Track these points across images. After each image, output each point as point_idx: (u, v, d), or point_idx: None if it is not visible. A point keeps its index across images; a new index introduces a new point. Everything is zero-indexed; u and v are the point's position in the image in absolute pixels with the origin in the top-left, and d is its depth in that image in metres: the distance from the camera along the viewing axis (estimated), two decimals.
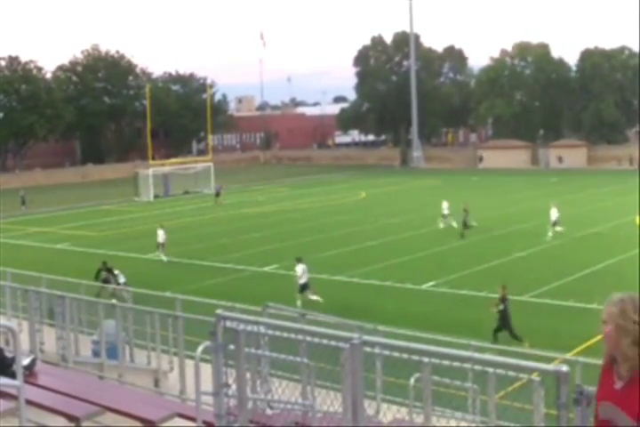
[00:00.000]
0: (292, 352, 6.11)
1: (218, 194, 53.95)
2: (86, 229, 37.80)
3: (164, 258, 31.79)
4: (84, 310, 12.25)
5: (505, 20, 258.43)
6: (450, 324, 20.02)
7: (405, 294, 25.22)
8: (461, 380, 5.42)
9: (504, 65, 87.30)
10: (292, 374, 7.05)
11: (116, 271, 24.56)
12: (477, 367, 4.40)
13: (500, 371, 4.42)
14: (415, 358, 4.50)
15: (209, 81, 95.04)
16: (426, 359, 4.52)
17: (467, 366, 4.44)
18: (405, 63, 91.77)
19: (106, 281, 23.84)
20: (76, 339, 11.65)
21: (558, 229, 34.27)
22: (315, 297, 23.30)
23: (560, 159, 76.15)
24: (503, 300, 19.18)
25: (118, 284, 23.48)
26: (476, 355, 4.38)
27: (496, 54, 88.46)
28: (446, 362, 4.60)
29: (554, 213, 34.66)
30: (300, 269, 23.95)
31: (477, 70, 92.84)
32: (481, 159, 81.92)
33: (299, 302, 23.22)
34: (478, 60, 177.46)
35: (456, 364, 4.54)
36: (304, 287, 23.77)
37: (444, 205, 38.46)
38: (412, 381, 6.03)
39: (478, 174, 70.27)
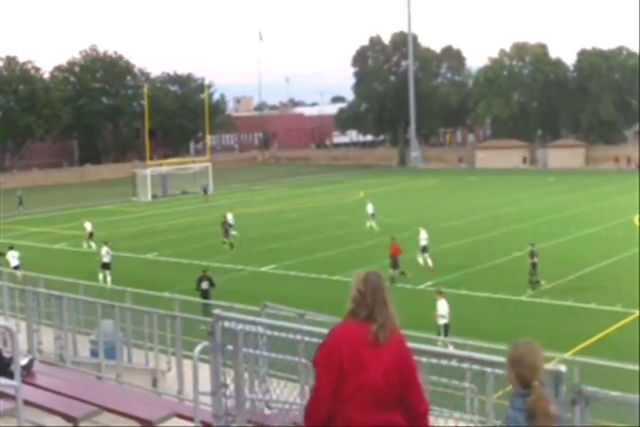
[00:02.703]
0: (291, 352, 6.10)
1: (205, 191, 57.78)
2: (84, 230, 37.75)
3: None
4: (82, 310, 12.23)
5: (503, 20, 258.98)
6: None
7: (404, 293, 25.24)
8: (459, 380, 5.42)
9: (502, 65, 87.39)
10: (290, 375, 7.04)
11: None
12: (475, 367, 4.40)
13: (498, 371, 4.43)
14: (418, 358, 4.50)
15: (207, 81, 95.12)
16: (424, 359, 4.52)
17: (464, 365, 4.45)
18: (403, 63, 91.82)
19: (205, 293, 22.63)
20: (74, 339, 11.63)
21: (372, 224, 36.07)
22: None
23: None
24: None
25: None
26: (475, 355, 4.39)
27: (494, 55, 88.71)
28: (444, 361, 4.61)
29: (370, 208, 36.89)
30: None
31: (475, 70, 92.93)
32: (461, 160, 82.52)
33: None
34: (476, 60, 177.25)
35: (454, 363, 4.55)
36: None
37: (369, 207, 39.84)
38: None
39: (476, 174, 70.35)
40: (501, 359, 4.20)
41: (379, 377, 3.99)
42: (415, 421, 4.12)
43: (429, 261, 28.64)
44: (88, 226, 36.55)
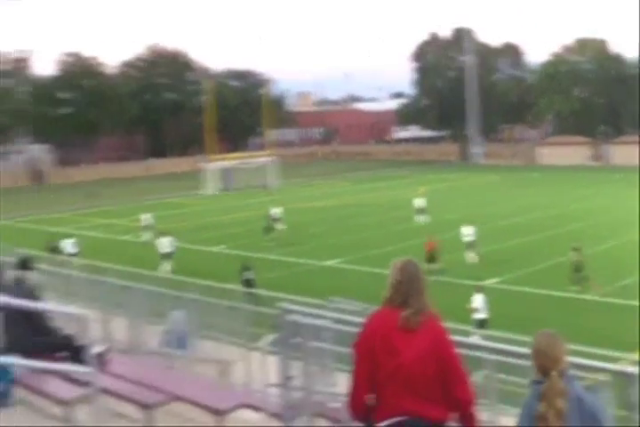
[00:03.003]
0: None
1: (265, 186, 59.71)
2: (140, 222, 38.68)
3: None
4: (153, 300, 12.56)
5: (563, 15, 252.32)
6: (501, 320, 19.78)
7: (467, 290, 25.12)
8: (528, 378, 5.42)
9: (563, 61, 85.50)
10: None
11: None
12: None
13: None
14: (480, 354, 4.57)
15: (267, 77, 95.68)
16: (492, 356, 4.58)
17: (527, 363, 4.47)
18: (462, 59, 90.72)
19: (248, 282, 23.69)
20: (146, 329, 11.95)
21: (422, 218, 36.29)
22: None
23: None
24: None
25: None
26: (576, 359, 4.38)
27: (555, 50, 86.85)
28: (512, 360, 4.65)
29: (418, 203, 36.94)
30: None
31: (535, 66, 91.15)
32: (515, 156, 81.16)
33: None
34: (536, 55, 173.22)
35: (522, 362, 4.58)
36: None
37: (419, 201, 40.19)
38: (477, 378, 6.06)
39: (538, 171, 69.10)
40: (570, 359, 4.22)
41: (410, 362, 4.11)
42: (457, 410, 4.20)
43: (474, 258, 28.95)
44: (145, 218, 37.87)
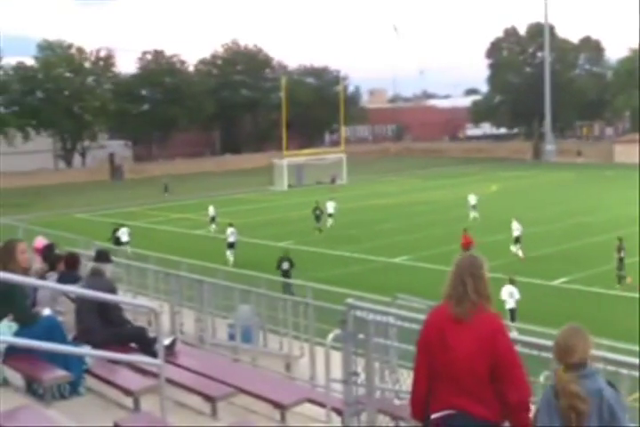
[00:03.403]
0: None
1: (333, 181, 59.87)
2: (222, 217, 39.21)
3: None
4: (221, 294, 12.74)
5: None
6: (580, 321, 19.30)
7: (538, 289, 24.79)
8: None
9: None
10: None
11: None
12: (610, 368, 4.30)
13: (634, 373, 4.30)
14: (545, 355, 4.46)
15: (342, 74, 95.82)
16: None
17: (598, 366, 4.35)
18: (539, 55, 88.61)
19: (286, 273, 24.84)
20: (213, 322, 12.12)
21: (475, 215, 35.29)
22: None
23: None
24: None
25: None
26: (609, 355, 4.29)
27: (634, 45, 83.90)
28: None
29: (472, 199, 35.36)
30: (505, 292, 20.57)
31: (615, 62, 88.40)
32: (579, 154, 78.91)
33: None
34: (616, 51, 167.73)
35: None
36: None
37: (472, 198, 40.02)
38: (541, 378, 5.94)
39: (613, 169, 67.09)
40: (635, 360, 4.11)
41: (461, 358, 4.11)
42: (507, 411, 4.11)
43: (520, 252, 29.88)
44: (211, 210, 39.47)
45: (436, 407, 4.21)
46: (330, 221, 38.82)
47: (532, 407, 4.14)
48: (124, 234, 32.86)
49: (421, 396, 4.30)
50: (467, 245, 28.28)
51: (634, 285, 24.25)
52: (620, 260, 25.50)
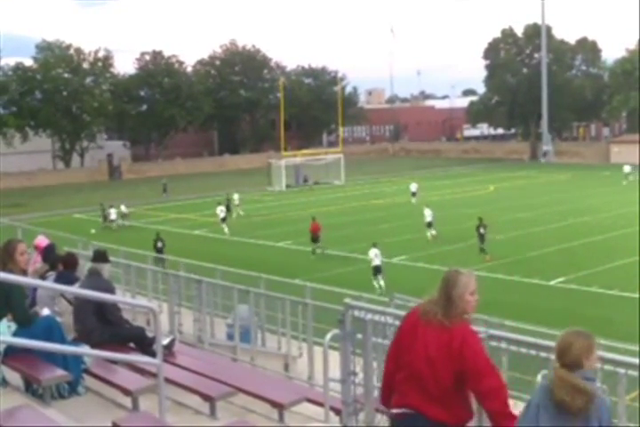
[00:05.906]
0: None
1: (305, 181, 61.14)
2: (217, 216, 39.26)
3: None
4: (220, 294, 12.74)
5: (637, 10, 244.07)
6: (578, 322, 19.35)
7: (532, 289, 24.81)
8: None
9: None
10: None
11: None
12: (608, 367, 4.32)
13: (632, 372, 4.32)
14: (543, 354, 4.47)
15: (340, 74, 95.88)
16: (553, 356, 4.48)
17: (597, 365, 4.36)
18: (536, 55, 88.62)
19: None
20: (212, 322, 12.12)
21: (432, 232, 34.41)
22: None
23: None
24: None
25: None
26: (607, 354, 4.30)
27: (631, 46, 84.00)
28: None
29: (428, 214, 34.93)
30: (372, 253, 25.41)
31: (611, 63, 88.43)
32: (545, 154, 78.92)
33: (375, 284, 24.57)
34: (612, 52, 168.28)
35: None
36: (377, 270, 25.14)
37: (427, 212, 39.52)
38: (539, 377, 5.96)
39: (610, 169, 67.11)
40: (635, 360, 4.12)
41: (424, 359, 4.21)
42: (490, 420, 4.20)
43: (429, 234, 33.79)
44: (220, 211, 39.67)
45: (396, 402, 4.39)
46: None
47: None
48: (112, 213, 40.26)
49: (387, 386, 4.53)
50: (315, 232, 31.83)
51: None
52: (481, 236, 29.93)
